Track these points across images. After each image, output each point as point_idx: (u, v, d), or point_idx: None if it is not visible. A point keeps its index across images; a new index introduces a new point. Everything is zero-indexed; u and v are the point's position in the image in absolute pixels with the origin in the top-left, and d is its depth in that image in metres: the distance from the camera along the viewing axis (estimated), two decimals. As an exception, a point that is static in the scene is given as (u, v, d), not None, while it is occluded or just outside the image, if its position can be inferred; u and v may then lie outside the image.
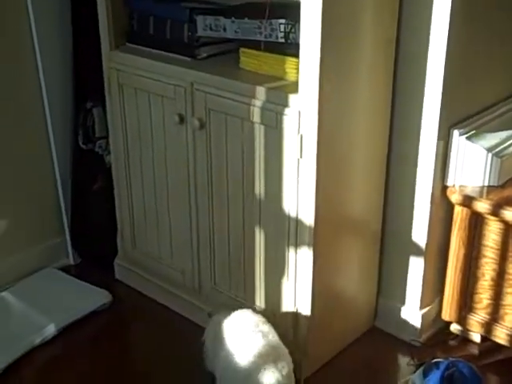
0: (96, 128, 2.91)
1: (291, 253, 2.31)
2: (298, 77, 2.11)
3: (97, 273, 3.02)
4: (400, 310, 2.60)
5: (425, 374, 2.16)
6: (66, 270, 3.05)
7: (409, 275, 2.54)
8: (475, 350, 2.54)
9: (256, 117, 2.22)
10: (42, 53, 2.81)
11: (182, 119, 2.44)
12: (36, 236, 3.03)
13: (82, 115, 2.91)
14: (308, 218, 2.22)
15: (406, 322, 2.60)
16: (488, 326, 2.46)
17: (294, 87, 2.14)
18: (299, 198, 2.22)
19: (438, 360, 2.19)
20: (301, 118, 2.11)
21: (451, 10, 2.17)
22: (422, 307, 2.57)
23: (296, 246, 2.29)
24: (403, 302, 2.59)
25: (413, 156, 2.40)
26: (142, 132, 2.64)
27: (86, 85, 2.89)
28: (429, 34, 2.24)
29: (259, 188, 2.32)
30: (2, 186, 2.85)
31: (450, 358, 2.19)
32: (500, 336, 2.45)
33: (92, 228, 3.07)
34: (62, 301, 2.81)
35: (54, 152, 2.96)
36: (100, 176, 2.99)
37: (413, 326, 2.58)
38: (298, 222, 2.25)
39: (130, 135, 2.70)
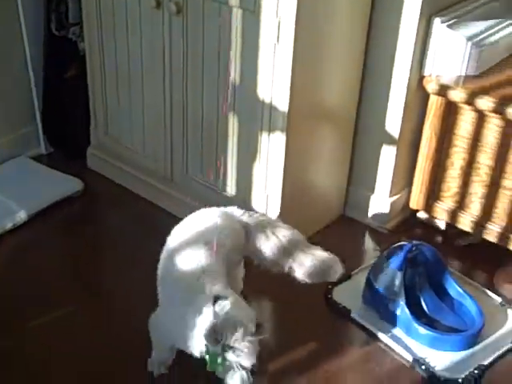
0: (69, 14, 2.84)
1: (264, 138, 2.33)
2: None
3: (69, 162, 3.02)
4: (369, 198, 2.66)
5: (388, 257, 2.22)
6: (37, 159, 3.05)
7: (380, 164, 2.59)
8: (439, 238, 2.62)
9: (234, 0, 2.20)
10: None
11: (158, 4, 2.41)
12: (8, 124, 3.00)
13: (54, 1, 2.85)
14: (282, 103, 2.24)
15: (374, 210, 2.66)
16: (454, 214, 2.53)
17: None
18: (274, 83, 2.23)
19: (402, 243, 2.24)
20: (279, 0, 2.10)
21: None
22: (391, 195, 2.63)
23: (269, 131, 2.31)
24: (373, 191, 2.65)
25: (391, 43, 2.39)
26: (116, 17, 2.60)
27: (59, -31, 2.83)
28: None
29: (234, 71, 2.31)
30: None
31: (414, 242, 2.25)
32: (464, 223, 2.52)
33: (64, 117, 3.05)
34: (33, 188, 2.81)
35: (25, 38, 2.90)
36: (73, 63, 2.94)
37: (381, 213, 2.64)
38: (271, 107, 2.26)
39: (104, 21, 2.66)
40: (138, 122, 2.74)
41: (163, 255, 2.00)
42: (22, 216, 2.64)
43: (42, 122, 3.08)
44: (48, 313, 2.26)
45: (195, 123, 2.53)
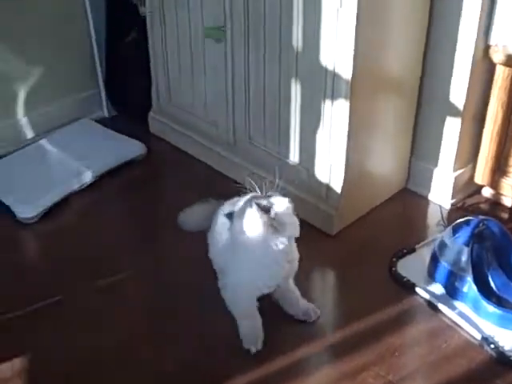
0: (131, -23, 2.85)
1: (327, 107, 2.29)
2: None
3: (131, 126, 3.04)
4: (433, 172, 2.60)
5: (454, 231, 2.17)
6: (100, 122, 3.08)
7: (444, 137, 2.53)
8: (505, 214, 2.56)
9: (297, -38, 2.16)
10: None
11: (219, -35, 2.38)
12: (72, 87, 3.03)
13: (117, -36, 2.86)
14: (345, 71, 2.19)
15: (438, 184, 2.62)
16: (521, 190, 2.48)
17: None
18: (337, 50, 2.18)
19: (469, 218, 2.19)
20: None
21: None
22: (455, 169, 2.57)
23: (332, 98, 2.26)
24: (436, 164, 2.59)
25: (456, 11, 2.32)
26: (178, -20, 2.59)
27: None
28: None
29: (296, 38, 2.27)
30: (39, 35, 2.84)
31: (481, 217, 2.20)
32: (532, 200, 2.47)
33: (126, 80, 3.06)
34: (98, 150, 2.83)
35: (87, 1, 2.92)
36: (134, 27, 2.94)
37: (445, 188, 2.59)
38: (335, 74, 2.22)
39: (165, -17, 2.65)
40: (200, 88, 2.73)
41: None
42: (88, 177, 2.68)
43: (104, 85, 3.09)
44: (111, 272, 2.30)
45: (257, 89, 2.50)
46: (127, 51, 3.02)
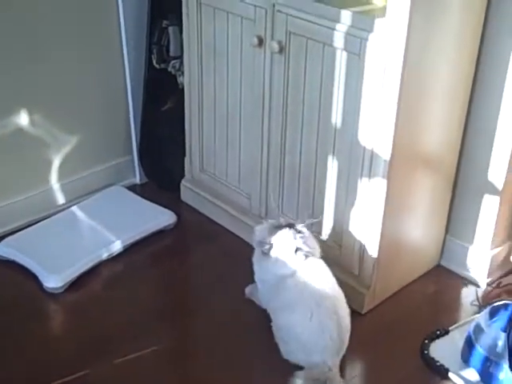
0: (171, 47, 2.88)
1: (363, 185, 2.27)
2: (386, 1, 2.04)
3: (162, 193, 3.05)
4: (468, 250, 2.56)
5: (491, 315, 2.12)
6: (132, 189, 3.08)
7: (480, 215, 2.49)
8: (543, 296, 2.50)
9: (338, 42, 2.16)
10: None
11: (260, 42, 2.39)
12: (105, 153, 3.05)
13: (157, 34, 2.89)
14: (384, 150, 2.18)
15: (473, 263, 2.56)
16: (559, 272, 2.42)
17: (381, 12, 2.07)
18: (377, 129, 2.17)
19: (507, 302, 2.15)
20: (386, 45, 2.05)
21: None
22: (491, 248, 2.53)
23: (369, 177, 2.25)
24: (472, 242, 2.55)
25: (498, 92, 2.31)
26: (217, 53, 2.61)
27: (163, 2, 2.85)
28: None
29: (336, 115, 2.27)
30: (74, 102, 2.86)
31: (519, 301, 2.15)
32: None
33: (160, 148, 3.08)
34: (128, 218, 2.84)
35: (127, 69, 2.96)
36: (171, 97, 2.98)
37: (481, 266, 2.54)
38: (373, 153, 2.21)
39: (205, 56, 2.67)
40: (234, 160, 2.73)
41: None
42: (117, 246, 2.67)
43: (138, 152, 3.11)
44: (135, 349, 2.26)
45: (293, 165, 2.49)
46: (163, 119, 3.04)
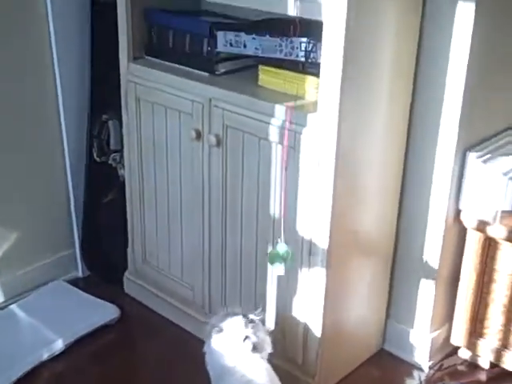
0: (111, 141, 2.91)
1: (303, 273, 2.30)
2: (317, 96, 2.11)
3: (105, 286, 3.02)
4: (409, 334, 2.59)
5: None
6: (74, 282, 3.05)
7: (419, 298, 2.54)
8: (483, 376, 2.53)
9: (274, 136, 2.23)
10: (59, 63, 2.81)
11: (198, 135, 2.44)
12: (46, 248, 3.02)
13: (97, 127, 2.92)
14: (322, 238, 2.22)
15: (414, 346, 2.59)
16: (497, 352, 2.46)
17: (313, 107, 2.14)
18: (314, 218, 2.22)
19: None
20: (319, 138, 2.12)
21: (472, 37, 2.17)
22: (431, 331, 2.56)
23: (309, 265, 2.28)
24: (412, 326, 2.58)
25: (428, 178, 2.39)
26: (157, 147, 2.64)
27: (103, 97, 2.90)
28: (448, 57, 2.23)
29: (273, 207, 2.32)
30: (13, 196, 2.85)
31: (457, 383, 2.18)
32: (509, 363, 2.44)
33: (102, 241, 3.07)
34: (70, 315, 2.79)
35: (67, 163, 2.97)
36: (113, 189, 2.99)
37: (421, 349, 2.57)
38: (311, 242, 2.25)
39: (144, 149, 2.70)
40: (176, 252, 2.74)
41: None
42: (59, 346, 2.62)
43: (80, 245, 3.10)
44: None
45: (234, 255, 2.51)
46: (105, 212, 3.04)
